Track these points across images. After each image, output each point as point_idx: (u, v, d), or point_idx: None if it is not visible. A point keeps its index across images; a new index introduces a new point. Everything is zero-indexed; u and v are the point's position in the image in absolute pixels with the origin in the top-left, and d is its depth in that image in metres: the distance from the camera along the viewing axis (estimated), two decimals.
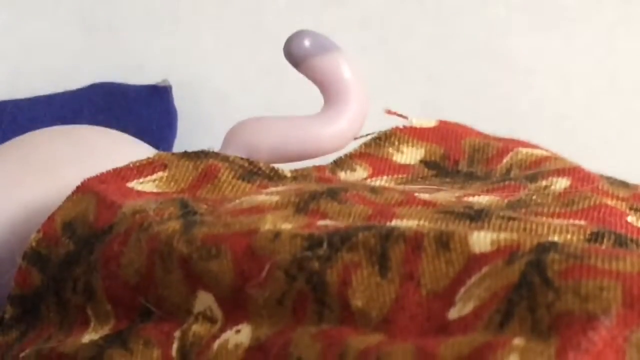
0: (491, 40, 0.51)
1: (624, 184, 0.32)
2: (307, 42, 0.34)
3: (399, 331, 0.22)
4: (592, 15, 0.51)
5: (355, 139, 0.36)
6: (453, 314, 0.22)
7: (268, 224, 0.26)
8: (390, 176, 0.33)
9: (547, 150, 0.34)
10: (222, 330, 0.26)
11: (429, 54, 0.51)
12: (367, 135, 0.36)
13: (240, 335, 0.25)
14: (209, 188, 0.31)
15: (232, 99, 0.54)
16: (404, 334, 0.22)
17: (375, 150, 0.35)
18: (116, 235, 0.28)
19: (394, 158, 0.34)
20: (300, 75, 0.36)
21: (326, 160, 0.35)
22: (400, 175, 0.33)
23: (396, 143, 0.34)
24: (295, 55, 0.34)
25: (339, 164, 0.34)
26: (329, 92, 0.35)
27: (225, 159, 0.31)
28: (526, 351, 0.20)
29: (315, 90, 0.36)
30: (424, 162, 0.34)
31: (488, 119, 0.49)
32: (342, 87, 0.34)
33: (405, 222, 0.25)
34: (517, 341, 0.20)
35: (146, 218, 0.28)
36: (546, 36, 0.51)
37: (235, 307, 0.25)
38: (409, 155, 0.34)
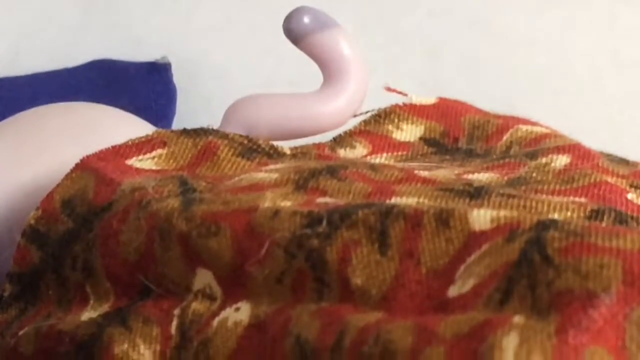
0: (491, 15, 0.51)
1: (624, 162, 0.32)
2: (306, 19, 0.34)
3: (399, 309, 0.22)
4: None
5: (355, 116, 0.36)
6: (453, 291, 0.22)
7: (267, 201, 0.26)
8: (389, 153, 0.33)
9: (547, 128, 0.34)
10: (222, 307, 0.26)
11: (428, 29, 0.51)
12: (366, 112, 0.36)
13: (240, 313, 0.25)
14: (208, 165, 0.31)
15: (231, 76, 0.54)
16: (403, 312, 0.22)
17: (374, 127, 0.35)
18: (115, 213, 0.28)
19: (394, 135, 0.34)
20: (300, 52, 0.35)
21: (326, 137, 0.35)
22: (400, 153, 0.33)
23: (396, 120, 0.34)
24: (295, 31, 0.34)
25: (338, 141, 0.34)
26: (329, 69, 0.34)
27: (225, 136, 0.31)
28: (526, 329, 0.20)
29: (315, 67, 0.36)
30: (424, 140, 0.34)
31: (488, 94, 0.49)
32: (341, 64, 0.34)
33: (405, 200, 0.25)
34: (517, 319, 0.20)
35: (145, 195, 0.28)
36: (547, 11, 0.51)
37: (234, 285, 0.25)
38: (409, 132, 0.34)
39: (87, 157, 0.30)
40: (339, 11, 0.48)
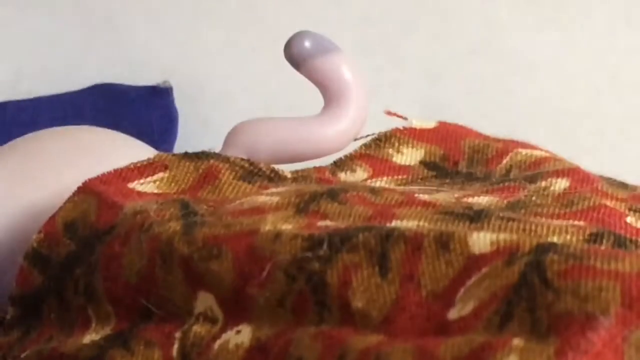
0: (491, 37, 0.51)
1: (623, 185, 0.32)
2: (307, 43, 0.34)
3: (399, 331, 0.23)
4: (593, 11, 0.51)
5: (356, 139, 0.36)
6: (453, 314, 0.22)
7: (269, 224, 0.26)
8: (390, 177, 0.33)
9: (546, 151, 0.34)
10: (223, 330, 0.26)
11: (429, 51, 0.51)
12: (367, 136, 0.36)
13: (241, 335, 0.25)
14: (210, 189, 0.31)
15: (233, 99, 0.54)
16: (404, 334, 0.22)
17: (375, 151, 0.35)
18: (117, 236, 0.28)
19: (394, 159, 0.34)
20: (301, 76, 0.36)
21: (326, 161, 0.35)
22: (400, 176, 0.33)
23: (396, 144, 0.34)
24: (296, 56, 0.34)
25: (339, 165, 0.34)
26: (330, 93, 0.35)
27: (226, 160, 0.31)
28: (525, 351, 0.20)
29: (316, 91, 0.36)
30: (424, 163, 0.34)
31: (488, 116, 0.49)
32: (342, 88, 0.34)
33: (405, 223, 0.25)
34: (517, 342, 0.20)
35: (147, 219, 0.28)
36: (546, 33, 0.51)
37: (235, 308, 0.25)
38: (409, 156, 0.34)
39: (90, 180, 0.31)
40: (339, 35, 0.48)
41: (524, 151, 0.33)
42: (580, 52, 0.51)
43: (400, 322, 0.23)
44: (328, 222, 0.26)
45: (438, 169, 0.33)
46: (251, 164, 0.31)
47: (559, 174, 0.31)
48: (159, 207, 0.28)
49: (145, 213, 0.28)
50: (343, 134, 0.34)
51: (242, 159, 0.32)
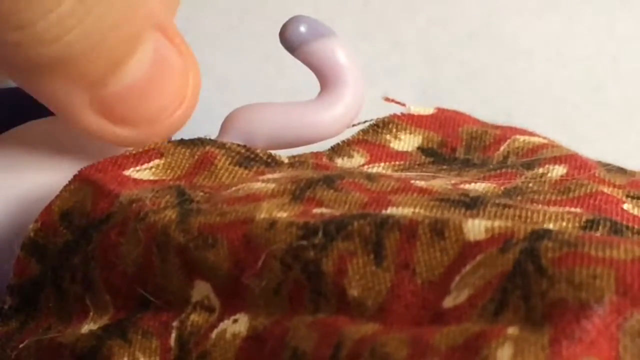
0: (491, 22, 0.51)
1: (622, 171, 0.32)
2: (302, 28, 0.34)
3: (395, 320, 0.23)
4: None
5: (353, 125, 0.36)
6: (448, 302, 0.22)
7: (264, 212, 0.26)
8: (387, 163, 0.33)
9: (544, 138, 0.34)
10: (220, 319, 0.26)
11: (428, 36, 0.51)
12: (364, 122, 0.36)
13: (238, 324, 0.25)
14: (206, 175, 0.31)
15: (231, 85, 0.54)
16: (399, 323, 0.22)
17: (372, 137, 0.35)
18: (113, 225, 0.28)
19: (392, 145, 0.34)
20: (299, 62, 0.36)
21: (324, 146, 0.35)
22: (397, 162, 0.33)
23: (394, 130, 0.34)
24: (291, 41, 0.34)
25: (336, 150, 0.34)
26: (325, 77, 0.34)
27: (222, 145, 0.31)
28: (520, 340, 0.20)
29: (314, 76, 0.36)
30: (421, 149, 0.34)
31: (487, 101, 0.49)
32: (337, 73, 0.34)
33: (401, 210, 0.25)
34: (511, 330, 0.20)
35: (143, 207, 0.28)
36: (546, 18, 0.51)
37: (232, 297, 0.26)
38: (407, 142, 0.34)
39: (85, 168, 0.30)
40: (338, 20, 0.48)
41: (521, 138, 0.33)
42: (580, 37, 0.51)
43: (396, 311, 0.23)
44: (323, 210, 0.26)
45: (435, 155, 0.33)
46: (247, 149, 0.31)
47: (556, 160, 0.30)
48: (155, 195, 0.28)
49: (141, 202, 0.28)
50: (339, 119, 0.34)
51: (239, 145, 0.32)
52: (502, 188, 0.28)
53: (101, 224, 0.29)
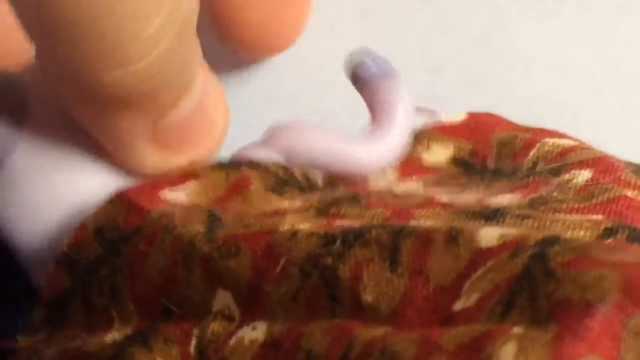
0: (492, 29, 0.50)
1: None
2: (371, 64, 0.35)
3: (406, 324, 0.23)
4: (594, 5, 0.50)
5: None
6: (458, 306, 0.22)
7: (287, 224, 0.26)
8: (419, 176, 0.33)
9: (574, 140, 0.34)
10: (239, 327, 0.26)
11: (429, 43, 0.51)
12: None
13: (256, 331, 0.26)
14: (239, 200, 0.31)
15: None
16: (410, 326, 0.23)
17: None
18: (142, 237, 0.29)
19: (423, 156, 0.34)
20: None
21: None
22: (429, 176, 0.33)
23: (425, 142, 0.34)
24: (359, 76, 0.35)
25: None
26: (380, 115, 0.35)
27: (258, 166, 0.31)
28: (524, 338, 0.20)
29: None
30: (453, 160, 0.34)
31: (488, 108, 0.48)
32: (394, 113, 0.34)
33: (422, 223, 0.26)
34: (516, 329, 0.21)
35: (172, 220, 0.28)
36: (546, 25, 0.50)
37: (252, 305, 0.26)
38: (438, 153, 0.34)
39: (122, 190, 0.31)
40: (340, 28, 0.49)
41: (551, 141, 0.33)
42: (580, 44, 0.50)
43: (408, 315, 0.23)
44: (345, 222, 0.26)
45: (467, 166, 0.33)
46: (285, 170, 0.32)
47: (582, 165, 0.30)
48: (185, 211, 0.29)
49: (170, 216, 0.29)
50: (383, 156, 0.35)
51: (277, 165, 0.32)
52: (527, 198, 0.28)
53: (131, 237, 0.29)
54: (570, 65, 0.50)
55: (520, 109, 0.48)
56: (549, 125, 0.45)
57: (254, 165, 0.32)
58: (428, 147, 0.34)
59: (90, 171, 0.32)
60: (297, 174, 0.32)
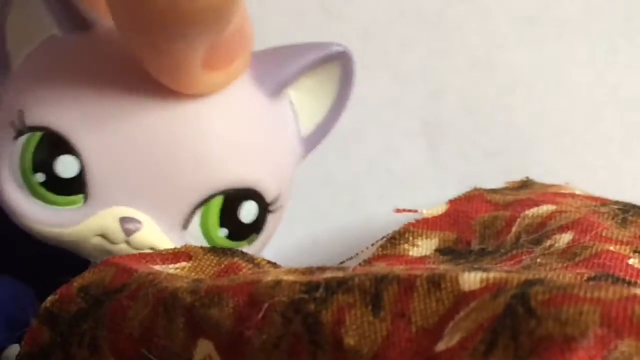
0: (492, 52, 0.51)
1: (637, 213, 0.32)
2: None
3: None
4: (593, 27, 0.50)
5: (372, 245, 0.37)
6: (441, 346, 0.22)
7: (271, 276, 0.26)
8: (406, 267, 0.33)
9: (552, 203, 0.34)
10: None
11: (429, 66, 0.51)
12: (382, 238, 0.36)
13: None
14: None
15: None
16: None
17: (391, 250, 0.35)
18: (127, 292, 0.29)
19: (410, 253, 0.35)
20: None
21: None
22: (416, 266, 0.33)
23: (410, 239, 0.35)
24: None
25: None
26: None
27: (251, 260, 0.32)
28: None
29: None
30: (439, 251, 0.34)
31: (489, 131, 0.48)
32: None
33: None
34: None
35: (158, 277, 0.28)
36: (546, 48, 0.51)
37: (233, 353, 0.26)
38: (424, 247, 0.35)
39: (113, 258, 0.31)
40: None
41: (530, 212, 0.34)
42: (580, 68, 0.51)
43: (390, 357, 0.23)
44: (328, 274, 0.26)
45: (452, 253, 0.34)
46: (276, 266, 0.32)
47: (562, 229, 0.31)
48: (173, 276, 0.29)
49: (158, 274, 0.29)
50: None
51: (269, 262, 0.32)
52: (513, 270, 0.28)
53: (115, 293, 0.29)
54: (570, 89, 0.51)
55: (519, 132, 0.48)
56: (549, 149, 0.45)
57: (246, 257, 0.32)
58: (413, 243, 0.35)
59: None
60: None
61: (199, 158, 0.32)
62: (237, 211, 0.33)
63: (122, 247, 0.32)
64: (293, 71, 0.34)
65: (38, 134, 0.31)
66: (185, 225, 0.32)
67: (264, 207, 0.33)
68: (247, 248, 0.34)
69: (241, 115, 0.33)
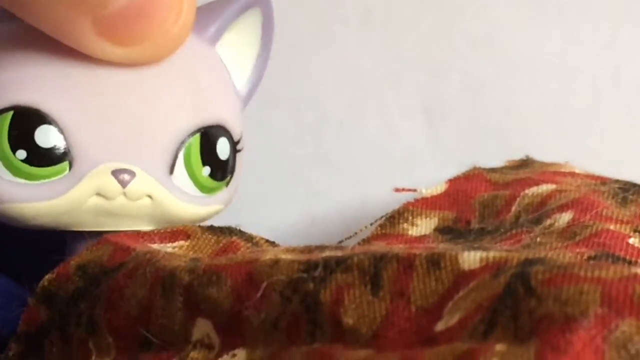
0: (493, 33, 0.50)
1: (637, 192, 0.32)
2: None
3: (388, 345, 0.23)
4: (594, 8, 0.50)
5: (371, 224, 0.37)
6: (440, 326, 0.22)
7: (269, 255, 0.26)
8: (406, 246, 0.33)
9: (552, 183, 0.34)
10: (219, 355, 0.26)
11: (430, 47, 0.51)
12: (381, 217, 0.36)
13: (236, 359, 0.25)
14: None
15: None
16: (392, 347, 0.23)
17: (390, 229, 0.35)
18: (124, 271, 0.29)
19: (409, 232, 0.34)
20: None
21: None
22: (416, 245, 0.33)
23: (410, 218, 0.35)
24: None
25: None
26: None
27: (250, 239, 0.32)
28: (507, 355, 0.20)
29: None
30: (438, 230, 0.34)
31: (489, 113, 0.47)
32: None
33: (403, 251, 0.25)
34: (499, 347, 0.20)
35: (156, 256, 0.28)
36: (548, 28, 0.50)
37: (232, 332, 0.26)
38: (423, 226, 0.35)
39: (110, 235, 0.31)
40: (340, 32, 0.49)
41: (530, 191, 0.34)
42: (582, 49, 0.50)
43: (389, 336, 0.23)
44: (327, 253, 0.26)
45: (452, 232, 0.34)
46: (274, 245, 0.32)
47: (562, 208, 0.31)
48: (171, 255, 0.29)
49: (156, 253, 0.29)
50: None
51: (267, 241, 0.32)
52: (513, 249, 0.28)
53: (113, 272, 0.29)
54: (571, 69, 0.50)
55: (520, 112, 0.48)
56: (550, 129, 0.44)
57: (245, 235, 0.32)
58: (413, 222, 0.35)
59: None
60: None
61: (169, 101, 0.33)
62: (215, 148, 0.33)
63: (120, 201, 0.32)
64: (226, 16, 0.36)
65: (9, 114, 0.31)
66: (172, 169, 0.32)
67: (234, 146, 0.34)
68: (224, 191, 0.35)
69: (195, 59, 0.34)
